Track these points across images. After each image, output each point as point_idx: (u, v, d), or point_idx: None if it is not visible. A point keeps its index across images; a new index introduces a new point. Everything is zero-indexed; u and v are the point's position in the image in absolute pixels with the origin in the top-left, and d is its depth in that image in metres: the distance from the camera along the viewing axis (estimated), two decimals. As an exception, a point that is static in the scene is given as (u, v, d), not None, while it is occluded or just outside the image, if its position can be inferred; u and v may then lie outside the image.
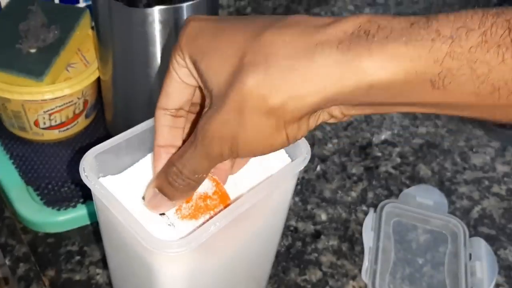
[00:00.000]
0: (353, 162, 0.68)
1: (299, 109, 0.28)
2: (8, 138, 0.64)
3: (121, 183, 0.39)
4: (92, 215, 0.58)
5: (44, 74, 0.57)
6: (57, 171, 0.61)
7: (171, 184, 0.34)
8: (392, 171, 0.68)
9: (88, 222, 0.58)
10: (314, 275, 0.55)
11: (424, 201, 0.62)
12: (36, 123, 0.61)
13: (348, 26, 0.27)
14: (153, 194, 0.35)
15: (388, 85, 0.26)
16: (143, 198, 0.37)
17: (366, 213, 0.61)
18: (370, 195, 0.64)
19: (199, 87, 0.34)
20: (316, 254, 0.57)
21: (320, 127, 0.73)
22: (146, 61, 0.53)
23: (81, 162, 0.37)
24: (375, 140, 0.72)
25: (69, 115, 0.62)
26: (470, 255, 0.57)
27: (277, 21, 0.30)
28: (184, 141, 0.37)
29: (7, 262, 0.55)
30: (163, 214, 0.37)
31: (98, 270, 0.54)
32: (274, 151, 0.31)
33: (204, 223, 0.35)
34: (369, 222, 0.59)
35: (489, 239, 0.60)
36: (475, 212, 0.64)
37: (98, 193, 0.36)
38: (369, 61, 0.26)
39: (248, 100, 0.28)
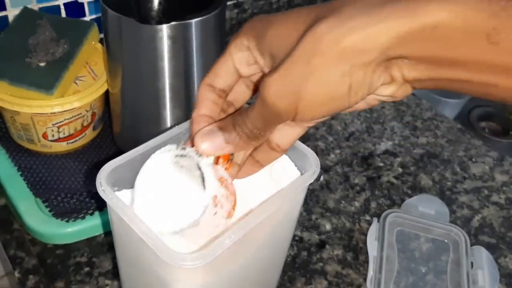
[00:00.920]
0: (355, 172, 0.70)
1: (369, 50, 0.29)
2: (16, 150, 0.65)
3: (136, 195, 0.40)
4: (101, 226, 0.59)
5: (54, 87, 0.58)
6: (65, 182, 0.62)
7: (234, 127, 0.35)
8: (394, 181, 0.69)
9: (97, 233, 0.59)
10: (320, 284, 0.56)
11: (426, 210, 0.63)
12: (44, 136, 0.62)
13: None
14: (210, 130, 0.36)
15: (450, 30, 0.27)
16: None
17: (369, 223, 0.62)
18: (373, 204, 0.66)
19: (245, 79, 0.37)
20: (321, 264, 0.58)
21: (322, 137, 0.75)
22: (154, 75, 0.55)
23: (97, 176, 0.38)
24: (377, 150, 0.73)
25: (77, 128, 0.63)
26: (472, 263, 0.58)
27: None
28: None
29: (17, 274, 0.56)
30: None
31: (108, 281, 0.55)
32: (332, 111, 0.32)
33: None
34: (373, 232, 0.60)
35: (489, 247, 0.61)
36: (475, 221, 0.65)
37: (115, 206, 0.37)
38: (434, 3, 0.27)
39: (319, 44, 0.29)
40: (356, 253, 0.60)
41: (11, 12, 0.72)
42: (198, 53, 0.54)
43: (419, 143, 0.75)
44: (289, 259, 0.58)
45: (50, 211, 0.59)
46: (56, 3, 0.74)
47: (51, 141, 0.63)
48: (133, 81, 0.57)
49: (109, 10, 0.52)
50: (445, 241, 0.61)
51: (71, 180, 0.62)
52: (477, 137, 0.78)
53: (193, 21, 0.51)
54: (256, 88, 0.38)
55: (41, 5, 0.73)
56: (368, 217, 0.64)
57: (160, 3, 0.48)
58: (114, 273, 0.56)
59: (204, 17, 0.52)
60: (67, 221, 0.58)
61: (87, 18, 0.78)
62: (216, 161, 0.38)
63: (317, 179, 0.68)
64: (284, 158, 0.43)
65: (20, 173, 0.63)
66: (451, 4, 0.27)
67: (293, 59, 0.30)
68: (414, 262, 0.59)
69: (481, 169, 0.72)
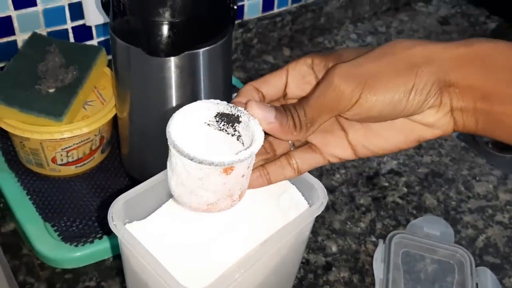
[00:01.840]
0: (360, 192, 0.70)
1: (434, 61, 0.33)
2: (25, 174, 0.66)
3: (146, 228, 0.41)
4: (109, 249, 0.60)
5: (63, 114, 0.59)
6: (73, 206, 0.63)
7: (285, 111, 0.36)
8: (399, 201, 0.70)
9: (105, 257, 0.60)
10: (327, 307, 0.57)
11: (431, 231, 0.64)
12: (53, 160, 0.63)
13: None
14: (262, 103, 0.37)
15: (497, 63, 0.33)
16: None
17: (375, 244, 0.63)
18: (379, 225, 0.66)
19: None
20: (328, 286, 0.59)
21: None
22: (162, 102, 0.55)
23: (109, 210, 0.39)
24: (382, 170, 0.74)
25: (85, 151, 0.64)
26: (477, 284, 0.59)
27: None
28: None
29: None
30: None
31: (117, 305, 0.56)
32: (387, 110, 0.34)
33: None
34: (379, 254, 0.60)
35: (494, 268, 0.61)
36: (480, 241, 0.66)
37: (126, 242, 0.37)
38: (486, 41, 0.34)
39: (393, 47, 0.35)
40: (363, 275, 0.60)
41: (20, 37, 0.73)
42: (206, 81, 0.55)
43: (424, 162, 0.76)
44: (295, 281, 0.59)
45: (59, 235, 0.60)
46: (64, 27, 0.76)
47: (60, 165, 0.64)
48: (141, 107, 0.58)
49: (118, 40, 0.53)
50: (451, 262, 0.61)
51: (79, 204, 0.63)
52: (480, 155, 0.78)
53: (201, 51, 0.52)
54: None
55: (49, 29, 0.74)
56: (373, 238, 0.64)
57: (169, 36, 0.49)
58: (123, 298, 0.56)
59: (211, 46, 0.53)
60: (76, 246, 0.59)
61: (95, 41, 0.79)
62: None
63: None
64: (292, 188, 0.44)
65: (29, 197, 0.63)
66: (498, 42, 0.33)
67: (365, 56, 0.35)
68: (420, 284, 0.59)
69: (485, 188, 0.73)
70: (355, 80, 0.34)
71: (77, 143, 0.62)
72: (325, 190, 0.42)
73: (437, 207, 0.69)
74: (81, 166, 0.66)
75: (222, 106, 0.37)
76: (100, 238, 0.60)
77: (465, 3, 1.16)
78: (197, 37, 0.52)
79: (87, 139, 0.63)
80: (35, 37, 0.68)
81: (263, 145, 0.36)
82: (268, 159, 0.41)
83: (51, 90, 0.61)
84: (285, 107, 0.36)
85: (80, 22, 0.77)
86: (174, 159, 0.36)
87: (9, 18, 0.72)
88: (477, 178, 0.74)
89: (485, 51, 0.33)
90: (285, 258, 0.44)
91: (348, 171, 0.73)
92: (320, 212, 0.41)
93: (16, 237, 0.61)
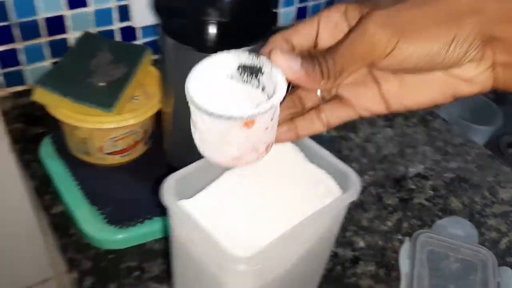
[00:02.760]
0: (388, 193, 0.73)
1: (479, 12, 0.31)
2: (73, 163, 0.71)
3: (196, 204, 0.44)
4: (150, 233, 0.64)
5: (113, 106, 0.63)
6: (118, 192, 0.67)
7: (313, 60, 0.34)
8: (425, 203, 0.72)
9: (146, 240, 0.64)
10: (354, 297, 0.60)
11: (455, 232, 0.67)
12: (100, 149, 0.68)
13: None
14: (288, 51, 0.35)
15: None
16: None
17: (401, 242, 0.66)
18: (405, 225, 0.69)
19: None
20: (355, 278, 0.62)
21: (356, 159, 0.78)
22: (206, 97, 0.60)
23: (162, 186, 0.43)
24: (409, 173, 0.77)
25: (130, 142, 0.69)
26: (499, 283, 0.61)
27: None
28: None
29: (73, 275, 0.61)
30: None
31: (156, 285, 0.60)
32: (425, 61, 0.32)
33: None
34: (405, 250, 0.63)
35: (516, 269, 0.64)
36: (503, 243, 0.68)
37: (178, 215, 0.41)
38: None
39: None
40: (389, 270, 0.63)
41: (71, 35, 0.78)
42: (247, 78, 0.59)
43: (450, 168, 0.79)
44: (325, 271, 0.62)
45: (104, 218, 0.64)
46: (112, 27, 0.81)
47: (107, 154, 0.69)
48: (185, 102, 0.62)
49: (168, 38, 0.58)
50: (474, 261, 0.64)
51: (123, 190, 0.67)
52: (505, 164, 0.81)
53: (245, 49, 0.56)
54: None
55: (99, 29, 0.80)
56: (400, 236, 0.67)
57: (217, 34, 0.53)
58: (162, 278, 0.60)
59: (253, 46, 0.57)
60: (120, 228, 0.63)
61: (139, 41, 0.84)
62: None
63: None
64: (329, 177, 0.47)
65: (76, 182, 0.68)
66: None
67: (404, 3, 0.32)
68: (444, 281, 0.62)
69: (509, 194, 0.75)
70: (392, 28, 0.32)
71: (123, 134, 0.67)
72: (359, 178, 0.45)
73: (462, 210, 0.72)
74: (125, 156, 0.70)
75: (244, 57, 0.36)
76: (142, 222, 0.64)
77: None
78: (242, 37, 0.56)
79: (132, 131, 0.68)
80: (87, 35, 0.73)
81: (291, 98, 0.35)
82: (297, 113, 0.40)
83: (102, 84, 0.66)
84: (312, 55, 0.34)
85: (127, 23, 0.82)
86: (194, 116, 0.36)
87: (61, 18, 0.77)
88: (501, 185, 0.77)
89: None
90: (319, 241, 0.47)
91: (377, 173, 0.77)
92: (354, 198, 0.44)
93: (64, 219, 0.66)
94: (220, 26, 0.54)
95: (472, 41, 0.32)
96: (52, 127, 0.74)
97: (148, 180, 0.69)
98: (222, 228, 0.42)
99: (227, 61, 0.36)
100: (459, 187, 0.75)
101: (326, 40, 0.37)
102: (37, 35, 0.77)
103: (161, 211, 0.52)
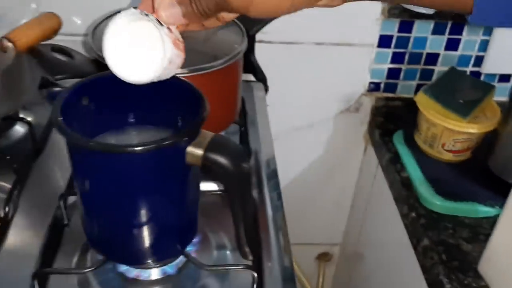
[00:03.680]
0: None
1: None
2: (416, 150, 1.00)
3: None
4: (471, 211, 0.88)
5: (468, 115, 0.91)
6: (449, 178, 0.93)
7: (190, 2, 0.42)
8: None
9: (463, 215, 0.88)
10: None
11: None
12: (443, 145, 0.95)
13: None
14: (170, 3, 0.43)
15: None
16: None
17: None
18: None
19: None
20: None
21: None
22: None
23: None
24: None
25: (464, 146, 0.95)
26: None
27: None
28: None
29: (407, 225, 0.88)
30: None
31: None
32: (280, 7, 0.41)
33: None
34: None
35: None
36: None
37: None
38: None
39: None
40: None
41: (438, 68, 1.10)
42: None
43: None
44: None
45: (434, 190, 0.90)
46: (465, 69, 1.09)
47: (446, 150, 0.96)
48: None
49: None
50: None
51: (456, 180, 0.93)
52: None
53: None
54: None
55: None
56: None
57: None
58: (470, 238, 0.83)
59: None
60: (445, 200, 0.88)
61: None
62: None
63: None
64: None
65: (419, 166, 0.96)
66: None
67: None
68: None
69: None
70: None
71: (463, 138, 0.93)
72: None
73: None
74: (456, 155, 0.96)
75: (139, 15, 0.44)
76: (467, 201, 0.88)
77: None
78: None
79: (469, 138, 0.94)
80: (453, 69, 1.03)
81: None
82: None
83: (461, 101, 0.94)
84: (190, 1, 0.42)
85: (477, 68, 1.09)
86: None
87: (438, 55, 1.09)
88: None
89: None
90: None
91: None
92: None
93: (407, 188, 0.94)
94: None
95: None
96: (405, 124, 1.05)
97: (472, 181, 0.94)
98: None
99: (128, 19, 0.45)
100: None
101: None
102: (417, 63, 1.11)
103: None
